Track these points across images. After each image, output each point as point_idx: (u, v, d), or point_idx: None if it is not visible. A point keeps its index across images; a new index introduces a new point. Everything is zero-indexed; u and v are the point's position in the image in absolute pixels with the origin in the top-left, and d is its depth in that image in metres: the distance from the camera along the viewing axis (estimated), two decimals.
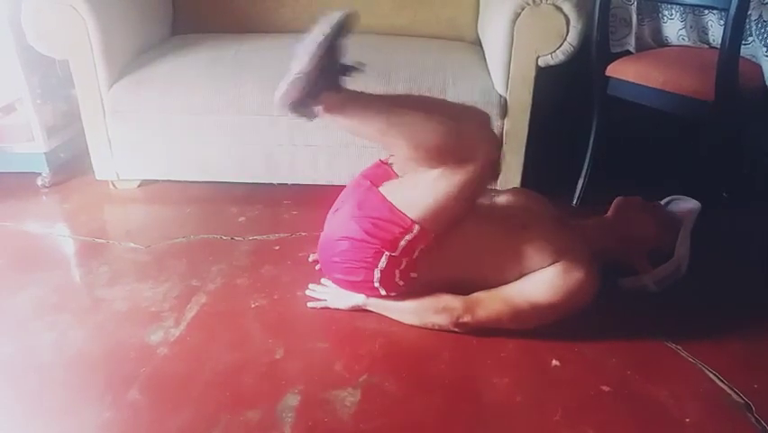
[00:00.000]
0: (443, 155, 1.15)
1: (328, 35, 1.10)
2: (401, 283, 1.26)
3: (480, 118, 1.23)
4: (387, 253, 1.21)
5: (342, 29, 1.11)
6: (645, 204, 1.40)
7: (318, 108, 1.16)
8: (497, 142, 1.19)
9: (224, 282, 1.47)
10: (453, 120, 1.18)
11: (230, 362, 1.21)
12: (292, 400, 1.12)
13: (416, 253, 1.22)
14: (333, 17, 1.11)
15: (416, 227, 1.19)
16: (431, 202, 1.18)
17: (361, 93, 1.19)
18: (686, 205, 1.44)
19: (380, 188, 1.24)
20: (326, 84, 1.15)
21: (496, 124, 1.74)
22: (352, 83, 1.20)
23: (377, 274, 1.24)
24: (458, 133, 1.15)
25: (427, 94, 1.70)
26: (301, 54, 1.12)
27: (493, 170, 1.20)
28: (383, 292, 1.27)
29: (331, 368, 1.20)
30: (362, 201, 1.25)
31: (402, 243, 1.20)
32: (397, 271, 1.23)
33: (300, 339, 1.28)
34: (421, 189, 1.19)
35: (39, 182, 1.93)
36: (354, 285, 1.30)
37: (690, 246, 1.37)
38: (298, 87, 1.13)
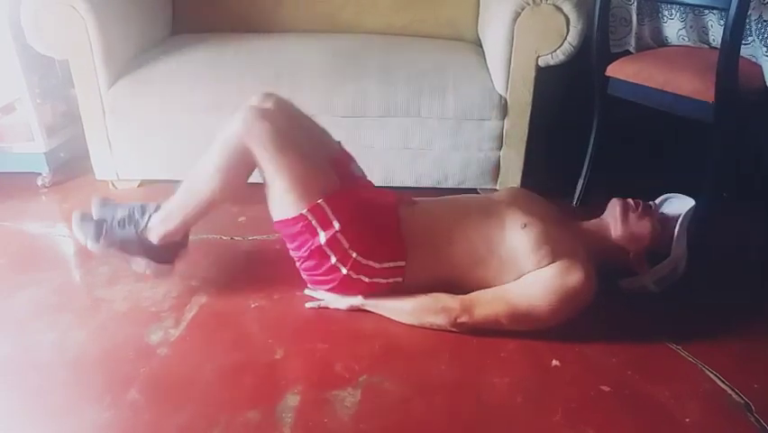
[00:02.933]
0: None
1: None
2: (376, 266, 1.26)
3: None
4: (317, 240, 1.24)
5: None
6: (641, 204, 1.40)
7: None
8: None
9: (224, 282, 1.47)
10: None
11: (230, 362, 1.21)
12: (292, 400, 1.12)
13: (345, 236, 1.23)
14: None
15: (304, 212, 1.22)
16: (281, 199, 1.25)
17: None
18: (681, 203, 1.45)
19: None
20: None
21: (496, 124, 1.75)
22: None
23: (343, 270, 1.26)
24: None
25: (430, 96, 1.69)
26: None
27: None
28: (366, 279, 1.28)
29: (331, 368, 1.20)
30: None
31: (319, 238, 1.23)
32: (349, 251, 1.24)
33: (300, 339, 1.28)
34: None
35: (39, 182, 1.93)
36: (340, 287, 1.31)
37: (686, 245, 1.38)
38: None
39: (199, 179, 1.29)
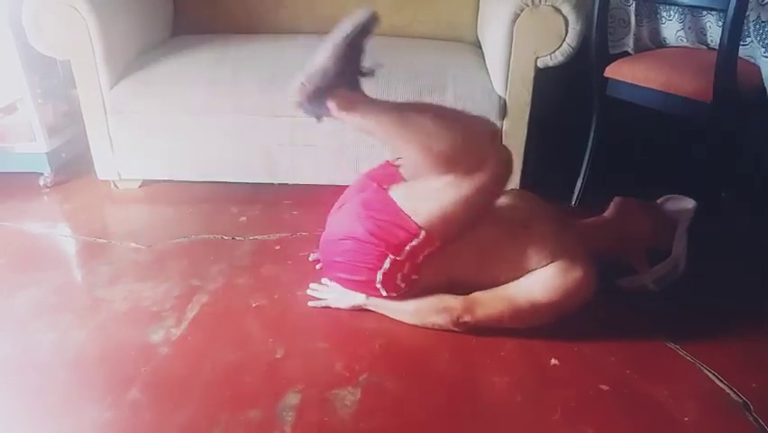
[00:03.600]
0: (451, 162, 1.15)
1: (350, 34, 1.10)
2: (402, 285, 1.26)
3: (490, 130, 1.24)
4: (390, 256, 1.21)
5: (365, 29, 1.12)
6: (642, 203, 1.41)
7: (331, 105, 1.16)
8: (507, 155, 1.19)
9: (225, 282, 1.47)
10: (464, 127, 1.18)
11: (231, 361, 1.22)
12: (292, 399, 1.12)
13: (420, 258, 1.22)
14: (357, 17, 1.11)
15: (423, 233, 1.18)
16: (438, 209, 1.18)
17: (375, 98, 1.19)
18: (682, 203, 1.45)
19: (389, 191, 1.24)
20: (343, 82, 1.15)
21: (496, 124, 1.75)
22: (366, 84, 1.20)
23: (379, 276, 1.24)
24: (468, 140, 1.16)
25: (430, 96, 1.71)
26: (322, 50, 1.13)
27: (502, 182, 1.20)
28: (384, 293, 1.28)
29: (331, 367, 1.20)
30: (369, 202, 1.25)
31: (407, 248, 1.20)
32: (399, 274, 1.23)
33: (301, 339, 1.29)
34: (430, 196, 1.19)
35: (40, 182, 1.93)
36: (356, 284, 1.31)
37: (686, 245, 1.38)
38: (315, 82, 1.13)
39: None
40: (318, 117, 1.20)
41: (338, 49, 1.11)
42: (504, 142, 1.76)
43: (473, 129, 1.20)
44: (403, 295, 1.29)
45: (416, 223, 1.18)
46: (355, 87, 1.18)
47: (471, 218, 1.22)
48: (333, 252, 1.29)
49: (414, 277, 1.25)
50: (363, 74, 1.19)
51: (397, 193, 1.23)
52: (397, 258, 1.21)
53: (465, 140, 1.15)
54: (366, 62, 1.18)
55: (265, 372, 1.19)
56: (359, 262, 1.25)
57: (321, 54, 1.13)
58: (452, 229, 1.20)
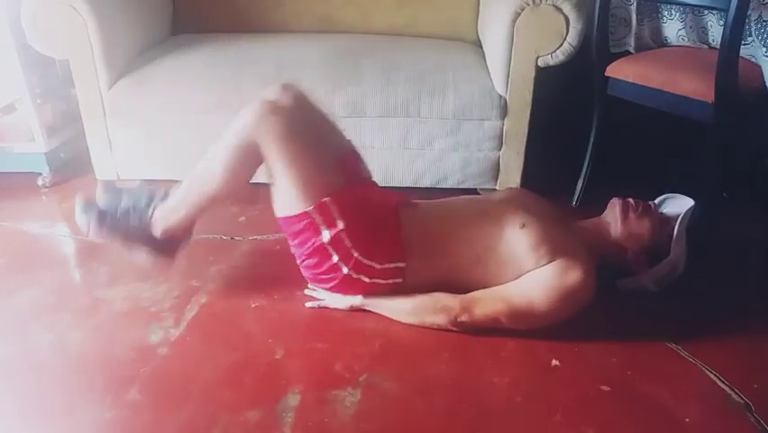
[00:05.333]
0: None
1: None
2: (377, 267, 1.27)
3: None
4: (324, 244, 1.24)
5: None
6: (641, 203, 1.40)
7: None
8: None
9: (225, 282, 1.47)
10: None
11: (230, 362, 1.21)
12: (292, 400, 1.12)
13: (348, 236, 1.23)
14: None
15: (311, 208, 1.22)
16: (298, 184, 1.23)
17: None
18: (680, 203, 1.45)
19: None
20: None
21: (496, 124, 1.75)
22: None
23: (344, 269, 1.26)
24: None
25: (430, 96, 1.70)
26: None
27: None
28: (366, 279, 1.28)
29: (331, 368, 1.20)
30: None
31: (322, 236, 1.24)
32: (351, 251, 1.25)
33: (300, 339, 1.29)
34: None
35: (39, 182, 1.93)
36: (339, 287, 1.31)
37: (685, 245, 1.38)
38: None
39: (205, 173, 1.28)
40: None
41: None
42: (504, 142, 1.77)
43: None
44: (399, 288, 1.30)
45: (294, 213, 1.23)
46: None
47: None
48: (306, 274, 1.36)
49: (377, 266, 1.26)
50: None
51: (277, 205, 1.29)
52: (322, 239, 1.24)
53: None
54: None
55: (265, 372, 1.19)
56: (319, 269, 1.29)
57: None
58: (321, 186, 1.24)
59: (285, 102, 1.28)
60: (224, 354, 1.24)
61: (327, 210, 1.23)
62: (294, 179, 1.21)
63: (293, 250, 1.33)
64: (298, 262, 1.33)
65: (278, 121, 1.20)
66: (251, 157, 1.23)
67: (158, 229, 1.31)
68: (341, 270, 1.27)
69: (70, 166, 2.00)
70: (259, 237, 1.66)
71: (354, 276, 1.27)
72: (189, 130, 1.80)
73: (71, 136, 2.00)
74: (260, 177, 1.86)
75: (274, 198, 1.28)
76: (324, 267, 1.28)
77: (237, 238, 1.66)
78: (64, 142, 1.99)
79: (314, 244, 1.25)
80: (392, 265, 1.28)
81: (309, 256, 1.28)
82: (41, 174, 1.93)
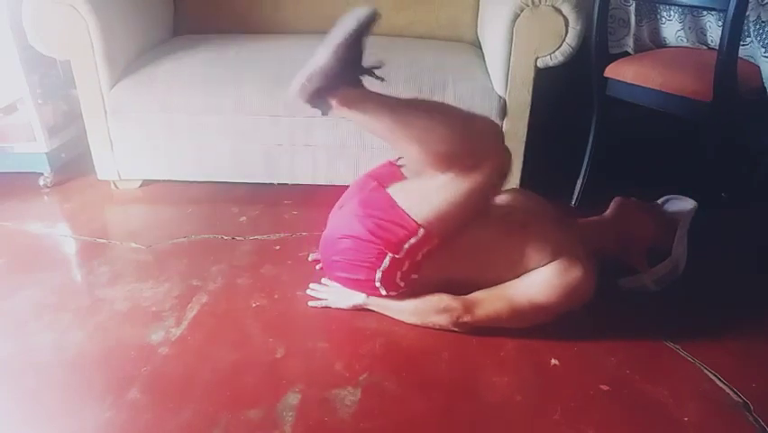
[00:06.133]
0: (451, 160, 1.15)
1: (352, 31, 1.10)
2: (402, 284, 1.26)
3: (491, 128, 1.24)
4: (390, 254, 1.21)
5: (366, 26, 1.12)
6: (643, 204, 1.41)
7: (333, 102, 1.16)
8: (506, 153, 1.21)
9: (225, 282, 1.47)
10: (464, 126, 1.18)
11: (231, 361, 1.22)
12: (293, 399, 1.12)
13: (419, 256, 1.22)
14: (358, 14, 1.12)
15: (421, 231, 1.19)
16: (437, 207, 1.18)
17: (377, 93, 1.19)
18: (682, 204, 1.45)
19: (388, 189, 1.24)
20: (345, 79, 1.15)
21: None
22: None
23: (378, 274, 1.24)
24: (467, 139, 1.16)
25: (430, 96, 1.71)
26: (323, 50, 1.13)
27: (501, 180, 1.21)
28: (383, 292, 1.28)
29: (331, 367, 1.21)
30: (367, 200, 1.25)
31: (406, 246, 1.20)
32: (398, 273, 1.24)
33: (301, 339, 1.29)
34: (428, 193, 1.19)
35: (40, 182, 1.94)
36: (355, 283, 1.31)
37: (686, 245, 1.38)
38: (317, 80, 1.13)
39: None
40: (323, 112, 1.20)
41: (339, 48, 1.11)
42: (504, 142, 1.77)
43: (472, 127, 1.20)
44: (403, 294, 1.29)
45: (414, 220, 1.18)
46: (357, 84, 1.18)
47: (470, 215, 1.22)
48: (333, 251, 1.29)
49: (413, 276, 1.25)
50: (366, 71, 1.19)
51: (396, 191, 1.23)
52: (396, 256, 1.21)
53: (464, 138, 1.16)
54: (367, 60, 1.18)
55: (265, 372, 1.19)
56: (358, 260, 1.25)
57: (322, 53, 1.13)
58: (450, 227, 1.21)
59: None
60: (224, 353, 1.24)
61: (427, 241, 1.20)
62: (440, 204, 1.18)
63: (364, 232, 1.21)
64: (342, 239, 1.26)
65: (501, 174, 1.20)
66: None
67: None
68: (375, 275, 1.23)
69: (71, 166, 2.00)
70: (259, 237, 1.67)
71: (376, 285, 1.26)
72: (190, 130, 1.81)
73: (72, 136, 2.01)
74: (260, 177, 1.88)
75: (410, 194, 1.21)
76: (365, 262, 1.23)
77: (238, 238, 1.66)
78: (65, 143, 1.99)
79: (386, 243, 1.20)
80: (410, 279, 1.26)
81: (375, 243, 1.21)
82: (42, 174, 1.94)
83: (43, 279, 1.48)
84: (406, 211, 1.19)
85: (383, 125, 1.18)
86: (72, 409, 1.11)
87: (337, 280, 1.35)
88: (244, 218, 1.77)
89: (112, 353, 1.24)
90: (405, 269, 1.23)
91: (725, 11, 1.37)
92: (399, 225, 1.19)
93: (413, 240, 1.19)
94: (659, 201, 1.49)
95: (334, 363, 1.22)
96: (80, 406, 1.11)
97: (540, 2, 1.59)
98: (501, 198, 1.45)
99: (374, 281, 1.25)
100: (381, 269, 1.23)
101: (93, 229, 1.72)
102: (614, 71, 1.69)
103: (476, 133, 1.19)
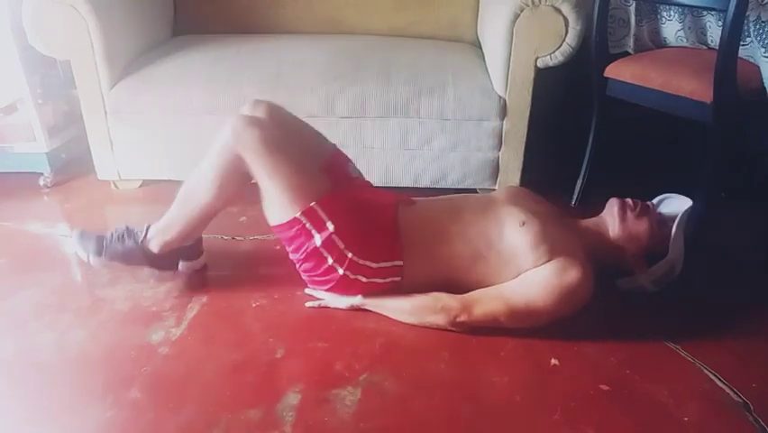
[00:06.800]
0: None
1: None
2: (374, 267, 1.28)
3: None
4: (317, 247, 1.25)
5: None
6: (639, 203, 1.41)
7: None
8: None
9: (225, 282, 1.47)
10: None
11: (231, 361, 1.22)
12: (292, 399, 1.13)
13: (340, 237, 1.24)
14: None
15: (298, 216, 1.24)
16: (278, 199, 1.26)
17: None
18: (678, 203, 1.45)
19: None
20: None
21: (495, 124, 1.76)
22: None
23: (340, 270, 1.27)
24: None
25: (430, 96, 1.70)
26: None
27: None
28: (364, 280, 1.29)
29: (331, 367, 1.21)
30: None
31: (314, 240, 1.25)
32: (348, 261, 1.26)
33: (300, 339, 1.29)
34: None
35: (40, 182, 1.94)
36: (337, 288, 1.32)
37: (683, 244, 1.38)
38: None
39: (195, 189, 1.32)
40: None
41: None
42: (503, 142, 1.77)
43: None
44: (398, 286, 1.30)
45: (286, 220, 1.24)
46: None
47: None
48: (305, 277, 1.37)
49: (372, 265, 1.27)
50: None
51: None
52: (318, 246, 1.25)
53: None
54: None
55: (265, 372, 1.19)
56: (315, 272, 1.30)
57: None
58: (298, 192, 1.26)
59: (260, 115, 1.33)
60: (224, 353, 1.24)
61: (315, 214, 1.25)
62: (279, 187, 1.24)
63: (290, 256, 1.34)
64: (297, 266, 1.35)
65: (255, 133, 1.24)
66: (237, 171, 1.27)
67: (155, 246, 1.36)
68: (336, 271, 1.28)
69: (71, 166, 2.00)
70: (259, 237, 1.67)
71: (351, 276, 1.28)
72: (190, 130, 1.81)
73: (72, 136, 2.01)
74: None
75: (265, 208, 1.31)
76: (321, 270, 1.29)
77: (238, 238, 1.67)
78: (65, 143, 1.99)
79: (307, 248, 1.27)
80: (389, 264, 1.29)
81: (305, 260, 1.30)
82: (42, 174, 1.94)
83: (44, 279, 1.48)
84: (277, 222, 1.27)
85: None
86: (73, 408, 1.11)
87: (328, 291, 1.36)
88: (244, 218, 1.77)
89: (112, 353, 1.24)
90: (342, 246, 1.25)
91: (725, 11, 1.37)
92: (289, 228, 1.26)
93: (299, 227, 1.25)
94: (655, 200, 1.49)
95: (334, 362, 1.22)
96: (81, 406, 1.11)
97: (540, 2, 1.59)
98: (500, 197, 1.45)
99: (343, 274, 1.28)
100: (330, 258, 1.27)
101: (93, 229, 1.70)
102: (614, 71, 1.69)
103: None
